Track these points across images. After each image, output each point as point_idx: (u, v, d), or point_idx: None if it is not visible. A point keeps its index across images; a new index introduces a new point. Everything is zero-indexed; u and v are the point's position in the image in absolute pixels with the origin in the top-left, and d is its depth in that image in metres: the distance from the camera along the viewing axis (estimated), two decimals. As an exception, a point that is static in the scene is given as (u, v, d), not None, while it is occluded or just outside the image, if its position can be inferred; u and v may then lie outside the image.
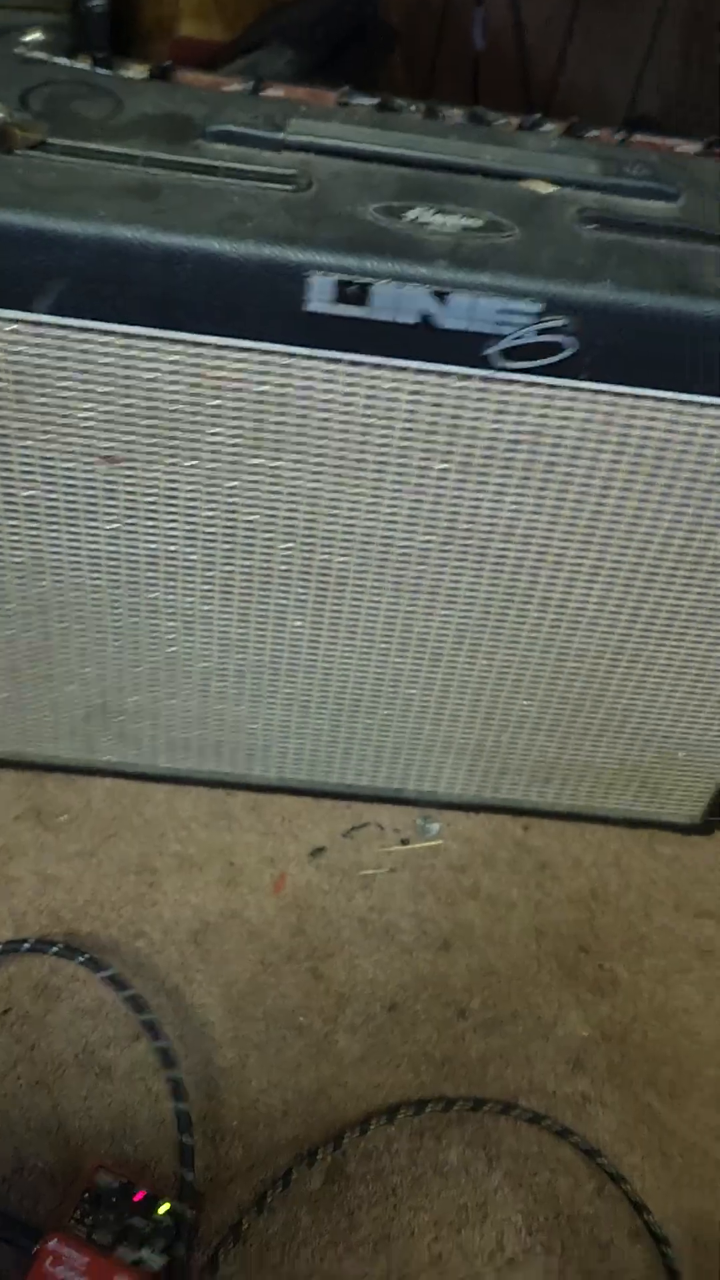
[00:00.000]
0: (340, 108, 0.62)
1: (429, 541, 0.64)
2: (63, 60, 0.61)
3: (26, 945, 0.68)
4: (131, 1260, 0.57)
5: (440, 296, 0.53)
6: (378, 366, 0.56)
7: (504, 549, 0.64)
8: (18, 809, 0.80)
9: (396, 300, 0.53)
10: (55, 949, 0.68)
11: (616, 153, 0.62)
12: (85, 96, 0.59)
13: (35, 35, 0.63)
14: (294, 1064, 0.69)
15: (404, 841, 0.82)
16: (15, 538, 0.65)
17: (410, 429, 0.58)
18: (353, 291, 0.52)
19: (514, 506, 0.62)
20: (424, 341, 0.54)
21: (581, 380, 0.56)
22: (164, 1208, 0.59)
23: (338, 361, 0.56)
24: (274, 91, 0.64)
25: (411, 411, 0.58)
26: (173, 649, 0.72)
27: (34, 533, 0.65)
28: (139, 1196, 0.59)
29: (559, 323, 0.54)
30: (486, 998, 0.74)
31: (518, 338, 0.54)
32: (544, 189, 0.58)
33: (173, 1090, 0.63)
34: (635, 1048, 0.73)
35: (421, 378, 0.56)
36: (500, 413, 0.58)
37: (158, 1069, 0.67)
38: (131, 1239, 0.58)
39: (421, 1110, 0.67)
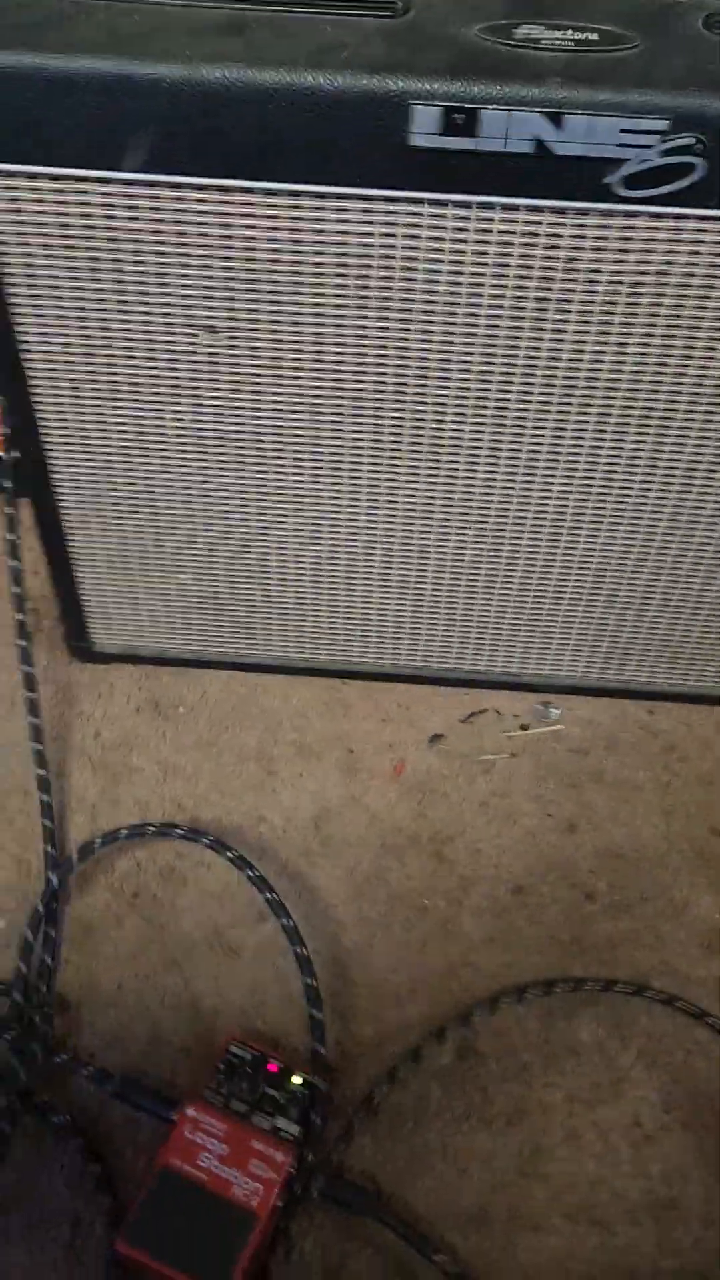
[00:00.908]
0: None
1: (545, 402, 0.60)
2: None
3: (153, 829, 0.69)
4: (268, 1128, 0.58)
5: (555, 119, 0.48)
6: (487, 207, 0.52)
7: (627, 406, 0.60)
8: (137, 701, 0.81)
9: (508, 126, 0.48)
10: (181, 832, 0.69)
11: (748, -50, 0.55)
12: (166, -64, 0.55)
13: None
14: (420, 945, 0.69)
15: (524, 727, 0.80)
16: (119, 420, 0.64)
17: (524, 276, 0.54)
18: (460, 120, 0.48)
19: (638, 358, 0.58)
20: (538, 173, 0.50)
21: (712, 208, 0.51)
22: (297, 1079, 0.60)
23: (444, 204, 0.52)
24: None
25: (526, 255, 0.54)
26: (283, 533, 0.70)
27: (137, 414, 0.63)
28: (272, 1068, 0.60)
29: (687, 141, 0.49)
30: (614, 880, 0.72)
31: (642, 161, 0.49)
32: (668, -6, 0.52)
33: (301, 966, 0.64)
34: (773, 930, 0.70)
35: (535, 216, 0.52)
36: (622, 251, 0.53)
37: (285, 949, 0.68)
38: (267, 1108, 0.59)
39: (550, 990, 0.66)
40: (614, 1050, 0.65)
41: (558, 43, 0.49)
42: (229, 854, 0.68)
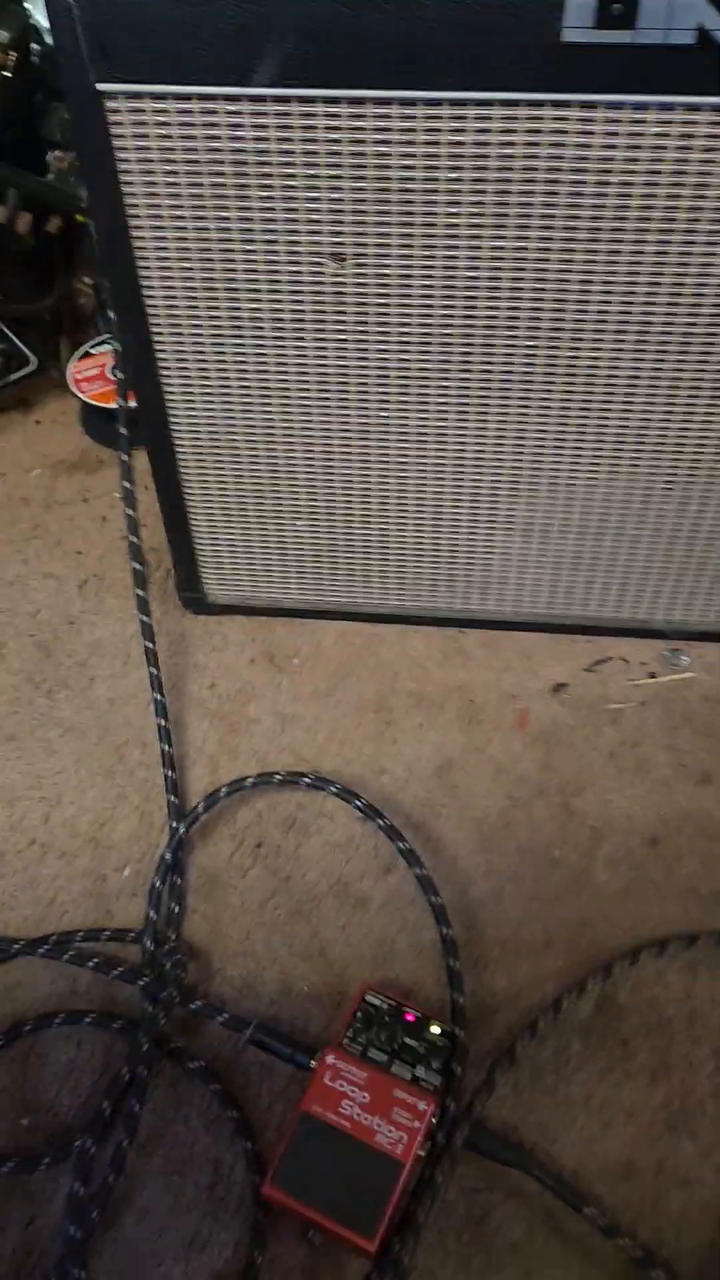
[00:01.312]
0: None
1: (691, 322, 0.57)
2: None
3: (278, 777, 0.68)
4: (408, 1078, 0.57)
5: (721, 4, 0.45)
6: (641, 108, 0.49)
7: (780, 325, 0.57)
8: (251, 653, 0.79)
9: (669, 14, 0.45)
10: (309, 781, 0.67)
11: None
12: None
13: None
14: (552, 896, 0.67)
15: (651, 675, 0.77)
16: (240, 358, 0.62)
17: (678, 184, 0.51)
18: (617, 10, 0.45)
19: None
20: (699, 67, 0.47)
21: None
22: (436, 1029, 0.58)
23: (594, 106, 0.49)
24: None
25: (681, 160, 0.50)
26: (404, 474, 0.68)
27: (259, 351, 0.61)
28: (409, 1018, 0.59)
29: None
30: (754, 831, 0.69)
31: None
32: None
33: (437, 916, 0.62)
34: None
35: (693, 117, 0.49)
36: (787, 151, 0.49)
37: (413, 899, 0.66)
38: (406, 1057, 0.57)
39: (693, 943, 0.63)
40: (761, 1006, 0.62)
41: None
42: (358, 803, 0.66)
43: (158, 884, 0.66)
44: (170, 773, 0.71)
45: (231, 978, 0.64)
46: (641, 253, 0.54)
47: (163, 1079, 0.60)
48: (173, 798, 0.70)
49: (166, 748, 0.71)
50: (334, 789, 0.67)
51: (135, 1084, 0.57)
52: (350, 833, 0.70)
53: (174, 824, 0.69)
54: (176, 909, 0.66)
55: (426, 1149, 0.55)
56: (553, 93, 0.48)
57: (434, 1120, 0.55)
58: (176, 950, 0.63)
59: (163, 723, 0.72)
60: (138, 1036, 0.59)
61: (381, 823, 0.65)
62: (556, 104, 0.49)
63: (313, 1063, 0.57)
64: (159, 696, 0.73)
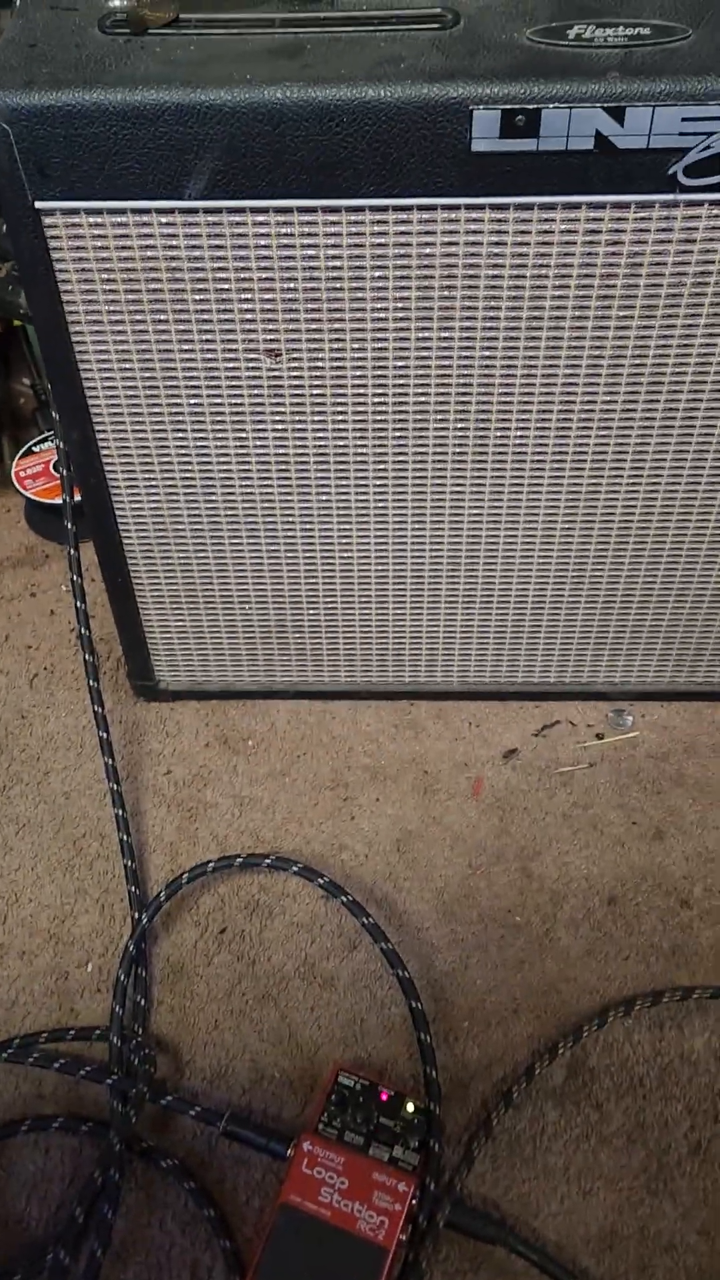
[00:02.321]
0: (473, -55, 0.58)
1: (611, 400, 0.60)
2: (179, -56, 0.59)
3: (239, 860, 0.68)
4: (386, 1159, 0.56)
5: (616, 113, 0.48)
6: (549, 208, 0.52)
7: (694, 399, 0.60)
8: (205, 737, 0.80)
9: (569, 124, 0.49)
10: (269, 862, 0.68)
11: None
12: (209, -28, 0.56)
13: None
14: (517, 962, 0.67)
15: (599, 736, 0.79)
16: (183, 449, 0.64)
17: (588, 274, 0.54)
18: (521, 122, 0.49)
19: (704, 347, 0.57)
20: (601, 169, 0.50)
21: (776, 192, 0.51)
22: (411, 1106, 0.58)
23: (505, 207, 0.52)
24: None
25: (589, 254, 0.54)
26: (347, 552, 0.70)
27: (202, 442, 0.63)
28: (384, 1096, 0.59)
29: (749, 125, 0.49)
30: (710, 884, 0.70)
31: (705, 148, 0.49)
32: (711, -12, 0.53)
33: (405, 990, 0.62)
34: None
35: (597, 214, 0.52)
36: (686, 241, 0.53)
37: (380, 975, 0.66)
38: (383, 1138, 0.57)
39: (659, 1000, 0.64)
40: (729, 1058, 0.63)
41: (610, 39, 0.50)
42: (320, 880, 0.66)
43: (122, 977, 0.65)
44: (130, 862, 0.71)
45: (202, 1069, 0.63)
46: (560, 338, 0.57)
47: (135, 1181, 0.58)
48: (133, 888, 0.70)
49: (125, 837, 0.71)
50: (295, 868, 0.68)
51: (107, 1189, 0.56)
52: (314, 912, 0.70)
53: (136, 914, 0.68)
54: (142, 1002, 0.65)
55: (409, 1232, 0.54)
56: (466, 197, 0.51)
57: (415, 1201, 0.54)
58: (144, 1045, 0.62)
59: (120, 812, 0.72)
60: (108, 1138, 0.57)
61: (344, 899, 0.66)
62: (470, 207, 0.52)
63: (289, 1151, 0.56)
64: (115, 786, 0.73)
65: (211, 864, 0.68)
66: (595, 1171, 0.59)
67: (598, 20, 0.51)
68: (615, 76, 0.48)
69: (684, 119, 0.48)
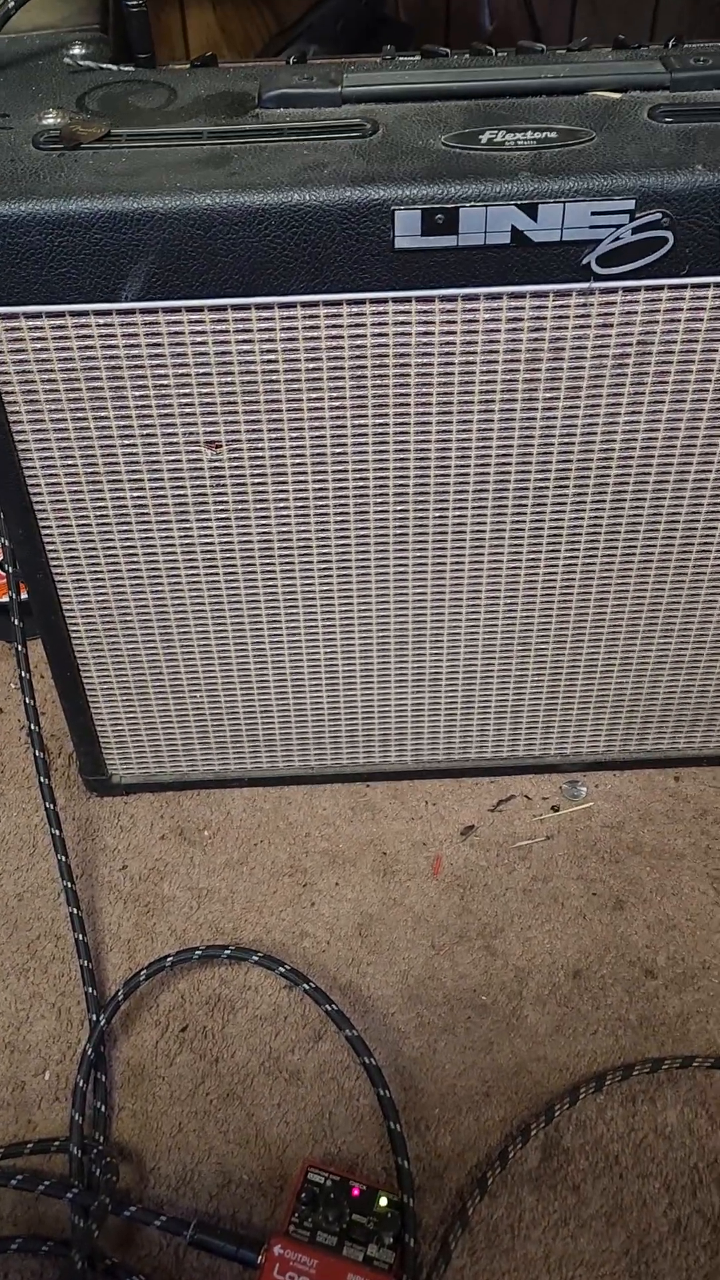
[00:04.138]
0: (388, 61, 0.62)
1: (544, 477, 0.62)
2: (109, 65, 0.62)
3: (199, 953, 0.67)
4: (361, 1259, 0.54)
5: (529, 209, 0.51)
6: (472, 298, 0.55)
7: (623, 473, 0.62)
8: (160, 830, 0.79)
9: (485, 221, 0.51)
10: (229, 953, 0.66)
11: (675, 54, 0.60)
12: (138, 91, 0.59)
13: (78, 50, 0.63)
14: (485, 1043, 0.66)
15: (554, 808, 0.79)
16: (128, 542, 0.65)
17: (513, 359, 0.57)
18: (440, 220, 0.51)
19: (629, 424, 0.60)
20: (518, 261, 0.53)
21: (684, 277, 0.54)
22: (384, 1200, 0.56)
23: (430, 299, 0.54)
24: (319, 62, 0.63)
25: (513, 340, 0.56)
26: (295, 637, 0.71)
27: (146, 534, 0.64)
28: (356, 1192, 0.57)
29: (654, 216, 0.52)
30: (673, 952, 0.70)
31: (615, 240, 0.52)
32: (612, 96, 0.56)
33: (372, 1078, 0.61)
34: None
35: (518, 302, 0.55)
36: (604, 326, 0.56)
37: (347, 1065, 0.65)
38: (356, 1236, 0.55)
39: (629, 1074, 0.63)
40: (704, 1130, 0.62)
41: (521, 143, 0.53)
42: (281, 969, 0.65)
43: (81, 1084, 0.63)
44: (86, 963, 0.69)
45: (166, 1175, 0.61)
46: (490, 420, 0.59)
47: (100, 1300, 0.56)
48: (90, 989, 0.68)
49: (80, 937, 0.70)
50: (256, 958, 0.66)
51: (71, 1310, 0.53)
52: (277, 1003, 0.69)
53: (94, 1017, 0.67)
54: (103, 1108, 0.63)
55: (387, 1335, 0.52)
56: (393, 290, 0.54)
57: (392, 1301, 0.53)
58: (105, 1154, 0.60)
59: (75, 911, 0.71)
60: (70, 1256, 0.55)
61: (307, 987, 0.65)
62: (397, 300, 0.54)
63: (260, 1258, 0.54)
64: (69, 884, 0.71)
65: (170, 958, 0.67)
66: (576, 1258, 0.57)
67: (508, 126, 0.54)
68: (527, 176, 0.51)
69: (593, 213, 0.51)
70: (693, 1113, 0.63)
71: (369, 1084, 0.62)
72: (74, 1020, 0.68)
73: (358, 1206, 0.56)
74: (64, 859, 0.72)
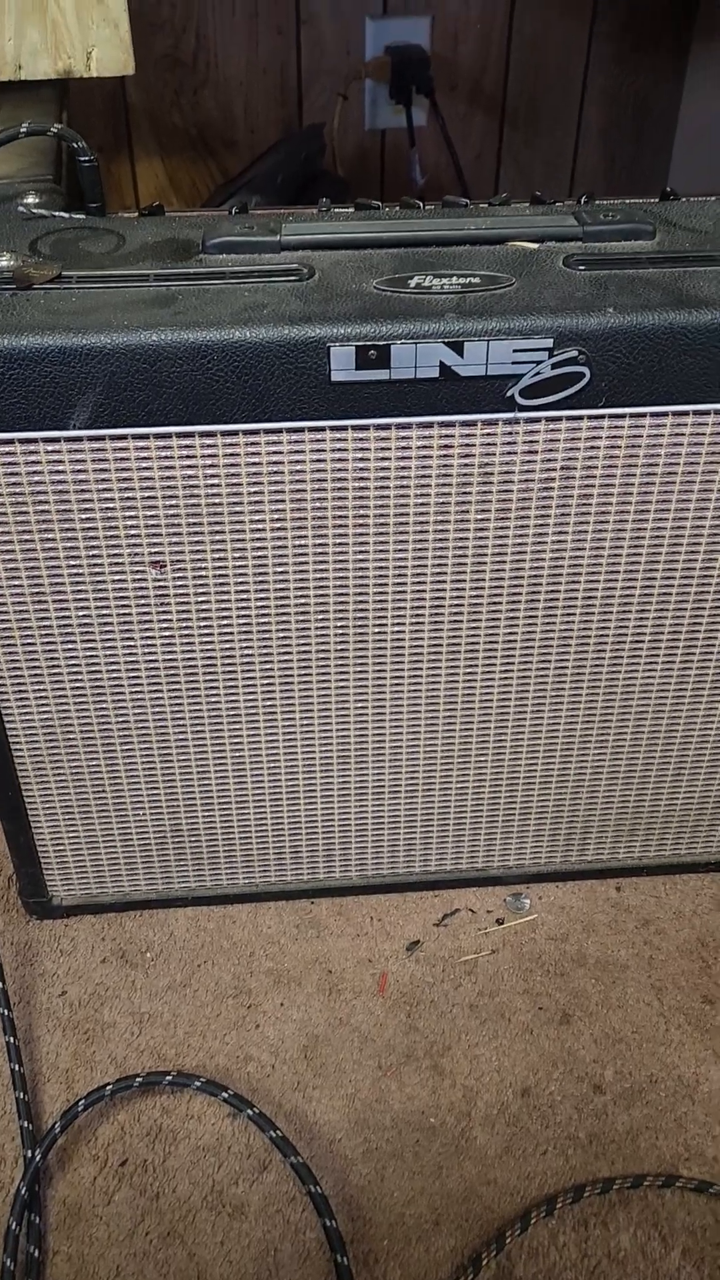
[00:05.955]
0: (324, 213, 0.66)
1: (477, 597, 0.65)
2: (61, 213, 0.66)
3: (139, 1080, 0.65)
4: None
5: (456, 347, 0.55)
6: (405, 427, 0.58)
7: (553, 591, 0.65)
8: (102, 952, 0.77)
9: (415, 357, 0.55)
10: (169, 1079, 0.65)
11: (587, 209, 0.66)
12: (89, 237, 0.62)
13: (32, 199, 0.67)
14: (435, 1168, 0.65)
15: (499, 921, 0.79)
16: (73, 659, 0.65)
17: (445, 484, 0.60)
18: (373, 356, 0.55)
19: (556, 545, 0.63)
20: (447, 393, 0.56)
21: (601, 408, 0.58)
22: (331, 1341, 0.54)
23: (365, 428, 0.58)
24: (259, 212, 0.68)
25: (445, 466, 0.59)
26: (239, 754, 0.71)
27: (90, 651, 0.65)
28: (301, 1333, 0.54)
29: (572, 353, 0.56)
30: (620, 1066, 0.70)
31: (535, 374, 0.56)
32: (530, 246, 0.61)
33: (318, 1207, 0.59)
34: (788, 1094, 0.69)
35: (448, 431, 0.58)
36: (530, 453, 0.59)
37: (293, 1197, 0.63)
38: None
39: (580, 1196, 0.62)
40: (657, 1253, 0.61)
41: (446, 287, 0.57)
42: (224, 1095, 0.64)
43: (13, 1226, 0.60)
44: (22, 1095, 0.67)
45: (102, 1324, 0.58)
46: (424, 541, 0.62)
47: None
48: (26, 1123, 0.65)
49: (16, 1067, 0.67)
50: (198, 1084, 0.65)
51: None
52: (220, 1132, 0.67)
53: (28, 1153, 0.64)
54: (36, 1253, 0.60)
55: None
56: (330, 419, 0.57)
57: None
58: (38, 1301, 0.57)
59: (11, 1040, 0.68)
60: None
61: (250, 1113, 0.63)
62: (334, 428, 0.57)
63: None
64: (5, 1012, 0.69)
65: (109, 1087, 0.65)
66: None
67: (434, 271, 0.58)
68: (453, 316, 0.55)
69: (515, 350, 0.55)
70: (645, 1235, 0.61)
71: (315, 1215, 0.60)
72: (7, 1157, 0.65)
73: (304, 1349, 0.54)
74: (1, 986, 0.70)
